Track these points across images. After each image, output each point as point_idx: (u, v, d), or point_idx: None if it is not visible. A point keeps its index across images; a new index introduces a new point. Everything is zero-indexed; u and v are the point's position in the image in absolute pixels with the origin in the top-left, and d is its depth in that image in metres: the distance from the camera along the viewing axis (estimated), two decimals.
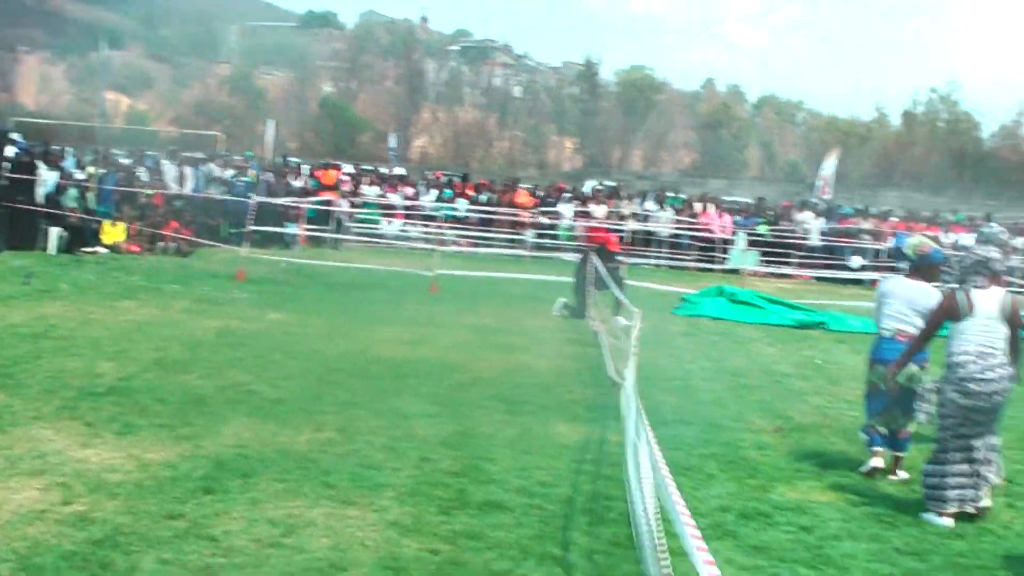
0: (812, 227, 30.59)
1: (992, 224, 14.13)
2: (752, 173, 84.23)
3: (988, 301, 8.10)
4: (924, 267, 9.37)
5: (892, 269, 22.11)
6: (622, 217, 29.98)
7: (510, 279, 22.29)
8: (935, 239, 14.59)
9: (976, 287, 8.16)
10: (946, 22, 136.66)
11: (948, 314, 8.25)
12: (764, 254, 29.12)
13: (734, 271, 27.05)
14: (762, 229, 30.31)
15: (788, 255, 29.51)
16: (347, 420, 9.63)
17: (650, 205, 31.62)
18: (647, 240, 29.95)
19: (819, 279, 28.11)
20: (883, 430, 9.20)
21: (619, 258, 18.56)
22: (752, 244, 29.60)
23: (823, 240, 30.43)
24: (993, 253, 8.31)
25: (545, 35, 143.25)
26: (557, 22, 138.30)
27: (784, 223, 31.35)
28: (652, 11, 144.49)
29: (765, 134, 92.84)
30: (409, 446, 8.90)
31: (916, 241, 9.78)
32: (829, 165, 40.21)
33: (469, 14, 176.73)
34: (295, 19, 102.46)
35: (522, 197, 31.23)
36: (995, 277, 8.24)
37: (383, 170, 39.41)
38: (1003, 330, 8.04)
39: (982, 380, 7.90)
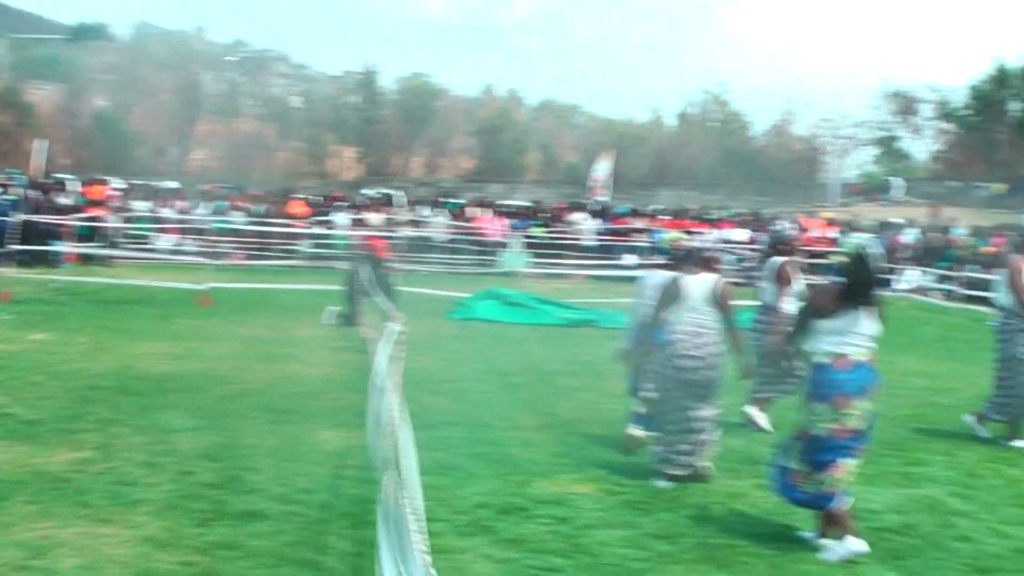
0: (586, 228, 31.26)
1: (780, 222, 14.75)
2: (533, 176, 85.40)
3: (699, 286, 8.88)
4: (679, 261, 9.78)
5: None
6: (398, 224, 30.07)
7: (285, 290, 22.10)
8: (691, 234, 15.20)
9: (689, 274, 8.96)
10: (718, 26, 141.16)
11: (668, 298, 8.92)
12: (540, 255, 29.63)
13: (511, 273, 27.43)
14: (537, 231, 30.84)
15: (563, 256, 30.07)
16: (107, 438, 9.43)
17: (425, 211, 31.82)
18: (424, 246, 30.08)
19: (594, 278, 28.67)
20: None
21: (390, 264, 18.56)
22: (529, 246, 30.05)
23: (598, 240, 31.14)
24: (707, 244, 9.14)
25: (324, 45, 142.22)
26: (335, 31, 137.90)
27: (559, 224, 31.96)
28: (432, 17, 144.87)
29: (544, 138, 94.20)
30: (169, 460, 8.77)
31: (671, 237, 10.35)
32: (602, 167, 41.13)
33: (247, 24, 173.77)
34: (65, 31, 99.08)
35: (297, 207, 31.02)
36: (706, 265, 9.11)
37: (158, 184, 38.50)
38: (713, 312, 8.83)
39: (695, 356, 8.71)
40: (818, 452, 7.20)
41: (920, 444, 10.73)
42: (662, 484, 8.69)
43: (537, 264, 29.18)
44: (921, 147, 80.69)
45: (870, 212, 47.34)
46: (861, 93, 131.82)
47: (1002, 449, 10.64)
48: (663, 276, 9.62)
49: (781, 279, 11.13)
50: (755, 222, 33.38)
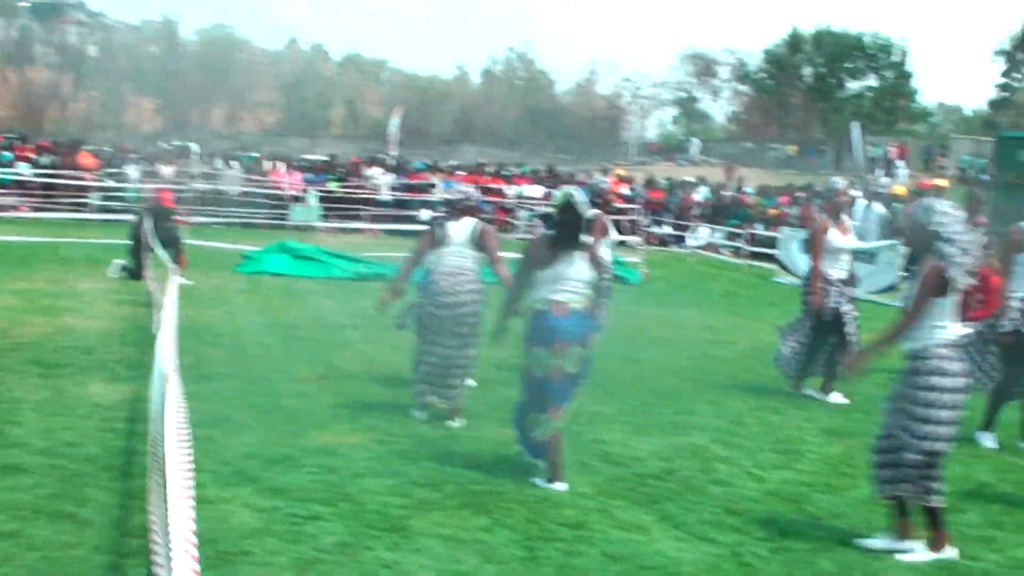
0: (381, 182, 31.17)
1: (600, 177, 15.03)
2: (338, 131, 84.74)
3: (459, 231, 9.27)
4: (468, 211, 9.89)
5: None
6: (191, 177, 29.45)
7: (71, 243, 21.50)
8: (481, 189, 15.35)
9: (450, 220, 9.36)
10: None
11: (431, 244, 9.35)
12: (335, 210, 29.44)
13: (306, 228, 27.19)
14: (332, 185, 30.62)
15: (359, 210, 29.93)
16: None
17: (218, 164, 31.24)
18: (217, 199, 29.48)
19: (389, 232, 28.62)
20: None
21: (175, 217, 18.17)
22: (324, 201, 29.78)
23: (393, 195, 31.10)
24: (473, 192, 9.99)
25: None
26: None
27: (354, 179, 31.77)
28: None
29: (349, 93, 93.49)
30: None
31: (467, 189, 10.58)
32: (394, 123, 41.13)
33: None
34: None
35: (86, 159, 30.06)
36: (467, 211, 9.46)
37: None
38: (473, 254, 9.19)
39: (451, 294, 9.07)
40: (541, 394, 7.53)
41: (692, 394, 11.06)
42: (418, 415, 9.26)
43: (332, 218, 29.00)
44: (719, 109, 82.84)
45: (667, 171, 48.35)
46: (662, 55, 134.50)
47: (769, 398, 11.04)
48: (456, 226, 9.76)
49: (597, 230, 11.39)
50: (550, 179, 33.81)
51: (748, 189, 34.66)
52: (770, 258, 25.85)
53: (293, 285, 17.89)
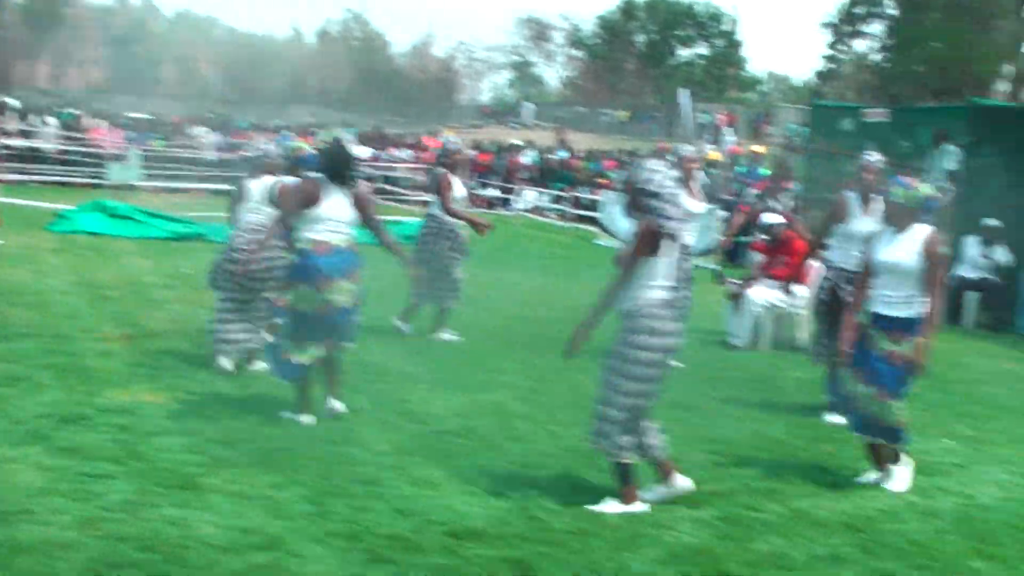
0: (206, 142, 30.72)
1: (450, 138, 15.02)
2: (170, 90, 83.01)
3: (258, 189, 9.44)
4: (267, 168, 9.83)
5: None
6: (5, 133, 28.53)
7: None
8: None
9: (251, 178, 9.49)
10: None
11: (234, 199, 9.64)
12: (158, 169, 28.87)
13: (126, 187, 26.57)
14: (157, 144, 30.05)
15: (184, 170, 29.44)
16: None
17: (35, 120, 30.35)
18: (34, 157, 28.63)
19: (213, 192, 28.13)
20: None
21: None
22: (148, 159, 29.15)
23: (217, 154, 30.65)
24: (272, 149, 9.89)
25: None
26: None
27: (180, 138, 31.25)
28: None
29: (182, 50, 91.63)
30: None
31: (294, 145, 10.59)
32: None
33: None
34: None
35: None
36: (265, 170, 9.54)
37: None
38: (270, 211, 9.13)
39: (247, 251, 9.15)
40: (307, 328, 7.84)
41: (501, 353, 11.19)
42: (222, 365, 9.40)
43: (154, 177, 28.44)
44: (554, 73, 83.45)
45: (500, 134, 48.58)
46: (499, 20, 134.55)
47: (576, 357, 11.19)
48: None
49: (442, 188, 11.54)
50: (379, 140, 33.74)
51: (565, 152, 35.05)
52: (594, 221, 26.23)
53: (108, 245, 17.50)
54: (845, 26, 61.14)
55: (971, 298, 15.79)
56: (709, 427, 8.81)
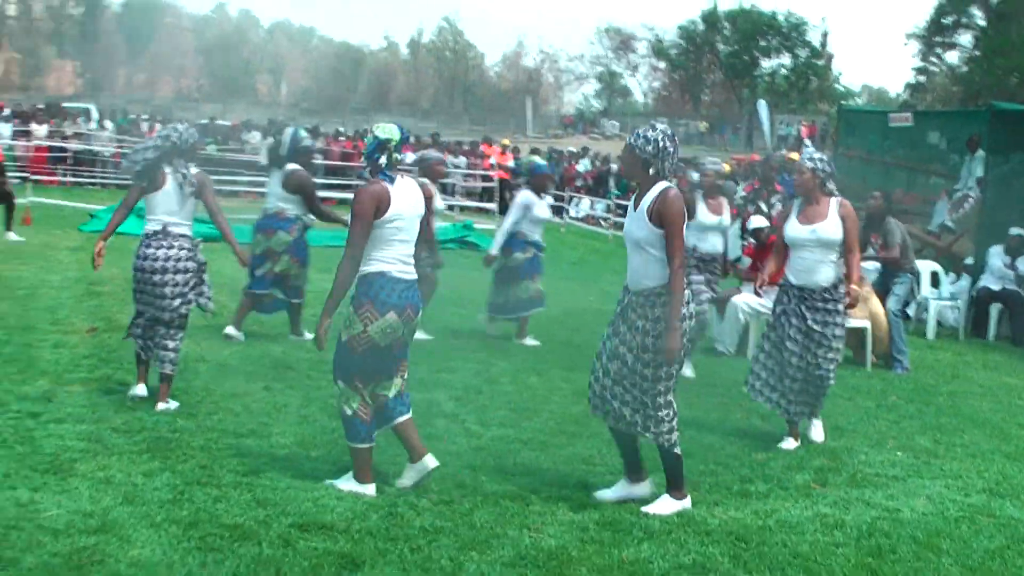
0: (260, 147, 30.99)
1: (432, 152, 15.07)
2: (265, 98, 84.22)
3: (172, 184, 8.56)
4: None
5: None
6: (64, 137, 29.12)
7: None
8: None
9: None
10: None
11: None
12: (213, 173, 29.13)
13: None
14: (211, 148, 30.41)
15: (237, 173, 29.76)
16: None
17: (93, 125, 30.93)
18: (91, 160, 29.15)
19: (263, 195, 28.40)
20: None
21: (5, 173, 17.95)
22: (200, 163, 29.40)
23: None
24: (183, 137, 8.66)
25: None
26: None
27: (233, 143, 31.61)
28: None
29: (276, 60, 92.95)
30: None
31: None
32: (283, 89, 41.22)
33: None
34: None
35: None
36: (181, 156, 8.61)
37: None
38: (192, 204, 8.63)
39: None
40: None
41: (464, 354, 11.15)
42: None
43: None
44: (639, 84, 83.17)
45: (580, 144, 48.48)
46: (583, 29, 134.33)
47: (540, 360, 11.13)
48: None
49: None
50: (433, 147, 33.79)
51: None
52: None
53: (130, 244, 17.56)
54: (934, 37, 60.11)
55: (994, 310, 15.31)
56: None
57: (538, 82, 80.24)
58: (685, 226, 6.46)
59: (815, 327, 8.28)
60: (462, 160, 33.38)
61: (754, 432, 8.94)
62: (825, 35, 75.23)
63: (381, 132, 6.56)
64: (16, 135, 28.49)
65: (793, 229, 8.36)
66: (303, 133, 11.84)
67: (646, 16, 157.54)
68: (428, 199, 11.38)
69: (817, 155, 8.49)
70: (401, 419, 6.77)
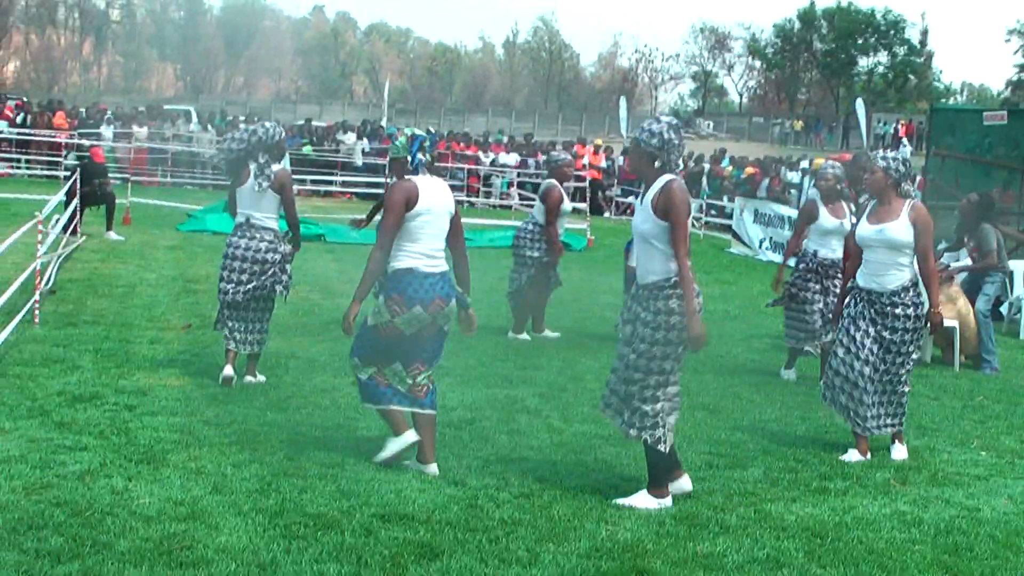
0: (355, 148, 31.41)
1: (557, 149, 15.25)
2: (362, 100, 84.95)
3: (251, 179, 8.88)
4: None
5: None
6: (164, 138, 29.80)
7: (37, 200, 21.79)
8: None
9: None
10: None
11: None
12: (307, 173, 29.67)
13: None
14: (306, 149, 30.87)
15: (332, 174, 30.20)
16: None
17: (193, 127, 31.58)
18: (191, 161, 29.77)
19: (360, 196, 28.84)
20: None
21: (105, 173, 18.46)
22: (295, 163, 29.95)
23: (365, 160, 31.30)
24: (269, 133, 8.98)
25: None
26: None
27: (328, 143, 32.03)
28: None
29: (372, 62, 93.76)
30: None
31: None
32: (385, 92, 41.64)
33: None
34: None
35: (60, 119, 30.43)
36: (267, 153, 8.88)
37: None
38: (273, 199, 8.88)
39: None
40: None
41: (549, 351, 11.33)
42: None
43: (300, 181, 29.21)
44: (734, 84, 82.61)
45: None
46: (677, 28, 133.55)
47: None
48: None
49: (550, 199, 11.84)
50: (525, 147, 34.01)
51: (725, 160, 34.74)
52: (727, 228, 25.93)
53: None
54: None
55: None
56: (734, 429, 8.71)
57: (633, 82, 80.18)
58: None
59: (885, 333, 8.02)
60: None
61: (837, 430, 8.93)
62: (925, 32, 74.28)
63: (416, 133, 7.01)
64: (117, 137, 29.24)
65: (862, 228, 8.25)
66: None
67: (742, 14, 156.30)
68: (557, 202, 11.55)
69: (891, 155, 8.32)
70: (424, 411, 7.05)
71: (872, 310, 8.08)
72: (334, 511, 6.09)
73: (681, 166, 6.69)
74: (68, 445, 6.92)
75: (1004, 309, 15.67)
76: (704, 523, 6.41)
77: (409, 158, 6.98)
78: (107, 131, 29.79)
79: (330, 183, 29.66)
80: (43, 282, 11.35)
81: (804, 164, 25.17)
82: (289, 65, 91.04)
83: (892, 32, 72.31)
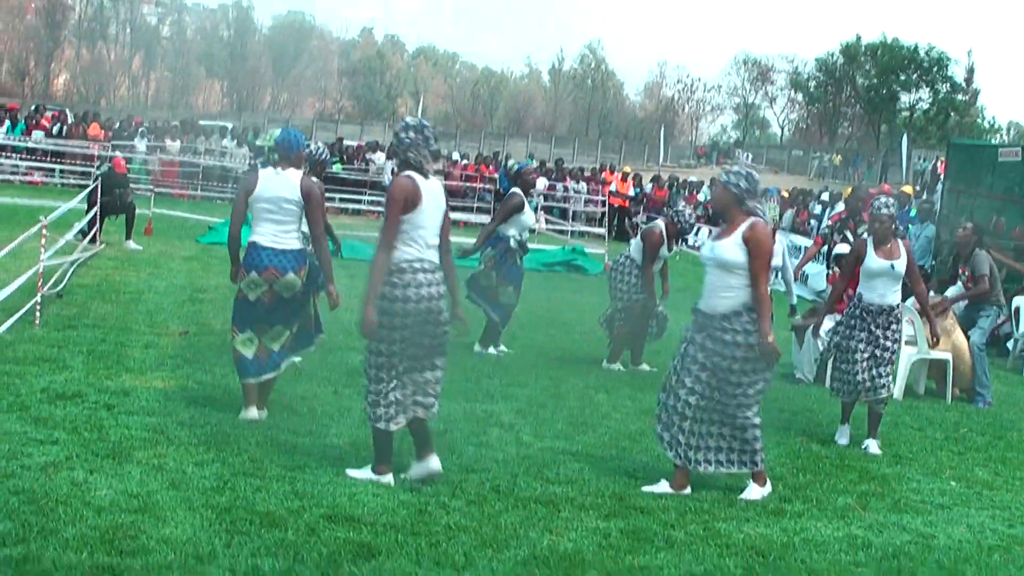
0: (384, 167, 31.71)
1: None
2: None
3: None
4: None
5: None
6: (196, 152, 30.23)
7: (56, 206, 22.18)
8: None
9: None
10: None
11: None
12: (336, 191, 29.99)
13: None
14: (336, 168, 31.21)
15: (362, 192, 30.53)
16: None
17: (227, 143, 32.01)
18: (223, 176, 30.18)
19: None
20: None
21: (127, 183, 18.78)
22: (327, 181, 30.29)
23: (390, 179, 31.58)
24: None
25: None
26: None
27: (358, 163, 32.40)
28: None
29: (418, 85, 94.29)
30: None
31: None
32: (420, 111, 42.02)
33: None
34: None
35: (95, 130, 30.94)
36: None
37: None
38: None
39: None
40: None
41: (539, 370, 11.43)
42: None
43: (329, 199, 29.52)
44: (775, 116, 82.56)
45: (712, 175, 48.42)
46: (720, 59, 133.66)
47: (616, 379, 11.36)
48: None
49: (649, 240, 12.21)
50: (555, 171, 34.25)
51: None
52: None
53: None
54: None
55: None
56: None
57: (674, 112, 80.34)
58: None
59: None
60: (583, 186, 33.72)
61: (809, 455, 9.03)
62: (971, 70, 73.99)
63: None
64: (150, 150, 29.71)
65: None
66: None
67: (785, 47, 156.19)
68: (655, 244, 11.62)
69: (734, 169, 8.02)
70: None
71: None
72: (282, 510, 6.25)
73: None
74: (40, 439, 7.13)
75: (1011, 345, 15.69)
76: (650, 538, 6.52)
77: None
78: (140, 143, 30.27)
79: (359, 201, 29.95)
80: (47, 286, 11.60)
81: (824, 196, 25.22)
82: (335, 85, 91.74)
83: (935, 69, 72.08)
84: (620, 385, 11.12)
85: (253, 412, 8.25)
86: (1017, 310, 15.61)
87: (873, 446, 9.39)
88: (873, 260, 9.65)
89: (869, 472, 8.65)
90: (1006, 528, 7.55)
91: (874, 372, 9.53)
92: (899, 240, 9.74)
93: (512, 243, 12.02)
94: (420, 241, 6.96)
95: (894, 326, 9.58)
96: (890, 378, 9.65)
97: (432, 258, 7.04)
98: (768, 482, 7.74)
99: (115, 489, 6.31)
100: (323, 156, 10.08)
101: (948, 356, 12.23)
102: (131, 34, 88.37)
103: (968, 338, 12.54)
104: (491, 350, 12.07)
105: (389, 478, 7.08)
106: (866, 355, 9.55)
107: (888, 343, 9.52)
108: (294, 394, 9.19)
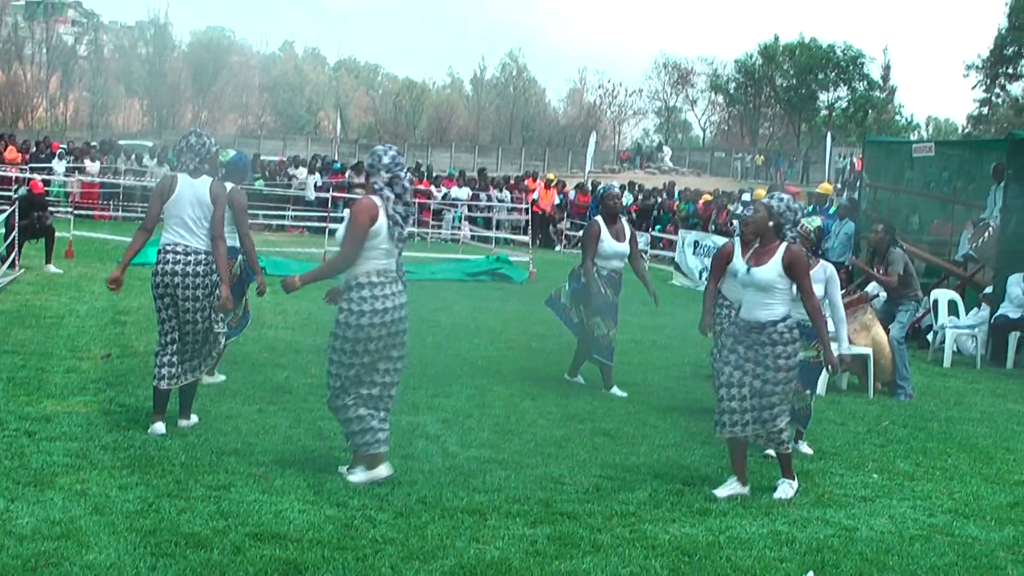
0: (307, 182, 31.57)
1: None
2: (328, 134, 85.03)
3: None
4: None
5: None
6: (117, 173, 29.93)
7: None
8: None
9: None
10: None
11: None
12: (259, 208, 29.79)
13: None
14: (258, 184, 31.00)
15: (284, 208, 30.35)
16: None
17: (147, 162, 31.70)
18: (144, 196, 29.84)
19: (312, 230, 29.00)
20: None
21: (45, 206, 18.57)
22: (249, 198, 30.08)
23: (317, 194, 31.45)
24: None
25: None
26: None
27: (281, 178, 32.22)
28: None
29: (339, 97, 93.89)
30: None
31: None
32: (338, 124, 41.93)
33: None
34: None
35: (11, 153, 30.55)
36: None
37: None
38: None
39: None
40: None
41: (466, 380, 11.37)
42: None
43: (251, 215, 29.34)
44: (697, 118, 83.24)
45: (636, 179, 48.71)
46: (640, 63, 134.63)
47: (539, 385, 11.40)
48: None
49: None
50: (477, 181, 34.30)
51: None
52: (671, 261, 26.22)
53: None
54: (997, 68, 59.67)
55: (1012, 338, 15.35)
56: (630, 454, 8.89)
57: (597, 117, 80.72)
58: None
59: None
60: (506, 194, 33.86)
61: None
62: (887, 67, 75.14)
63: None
64: (69, 171, 29.35)
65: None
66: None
67: (704, 49, 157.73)
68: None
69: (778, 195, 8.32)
70: None
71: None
72: (208, 530, 6.24)
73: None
74: None
75: (931, 337, 15.95)
76: (576, 543, 6.59)
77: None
78: (59, 165, 29.91)
79: (282, 217, 29.80)
80: None
81: (745, 196, 25.53)
82: (256, 100, 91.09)
83: (852, 67, 73.11)
84: (546, 392, 11.16)
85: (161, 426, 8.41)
86: (936, 303, 15.89)
87: (804, 446, 9.49)
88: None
89: (793, 468, 8.75)
90: (927, 517, 7.71)
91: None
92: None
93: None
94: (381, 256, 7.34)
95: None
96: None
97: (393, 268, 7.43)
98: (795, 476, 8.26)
99: (37, 516, 6.26)
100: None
101: (868, 351, 12.42)
102: (47, 54, 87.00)
103: (888, 332, 12.73)
104: (613, 390, 11.56)
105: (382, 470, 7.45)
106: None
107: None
108: (218, 412, 9.15)
